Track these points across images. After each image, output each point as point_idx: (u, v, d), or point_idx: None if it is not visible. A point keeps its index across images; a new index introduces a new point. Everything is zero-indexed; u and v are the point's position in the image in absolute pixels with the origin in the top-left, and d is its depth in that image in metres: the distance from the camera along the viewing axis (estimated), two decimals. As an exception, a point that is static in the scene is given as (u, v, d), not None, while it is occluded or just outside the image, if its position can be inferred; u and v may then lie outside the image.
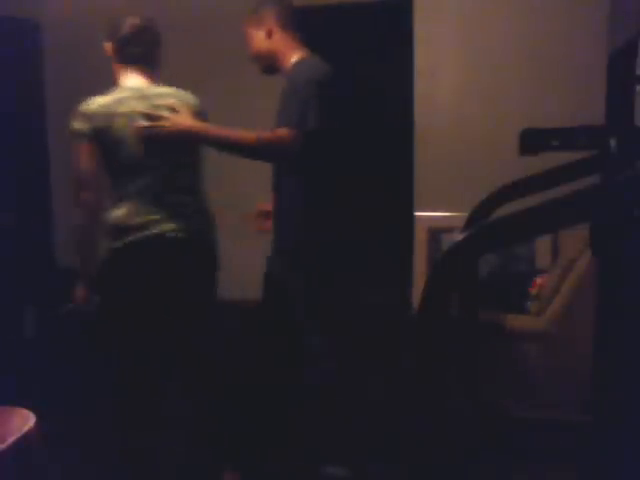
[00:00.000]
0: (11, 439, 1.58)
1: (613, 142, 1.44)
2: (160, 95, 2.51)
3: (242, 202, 3.23)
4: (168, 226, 2.44)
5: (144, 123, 2.40)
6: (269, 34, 2.52)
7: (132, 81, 2.52)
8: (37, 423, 1.68)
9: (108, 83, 2.44)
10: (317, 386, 2.67)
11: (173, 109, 2.44)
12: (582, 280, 2.75)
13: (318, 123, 2.38)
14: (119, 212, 2.44)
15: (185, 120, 2.42)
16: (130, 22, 2.51)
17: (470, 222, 1.76)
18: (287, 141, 2.33)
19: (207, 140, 2.46)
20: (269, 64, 2.57)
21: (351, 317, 4.79)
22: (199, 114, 2.54)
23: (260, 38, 2.54)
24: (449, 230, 3.75)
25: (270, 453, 2.84)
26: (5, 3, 4.26)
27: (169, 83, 2.63)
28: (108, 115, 2.40)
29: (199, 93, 2.68)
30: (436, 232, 4.00)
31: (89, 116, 2.40)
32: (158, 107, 2.45)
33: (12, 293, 4.21)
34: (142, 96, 2.47)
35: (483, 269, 3.25)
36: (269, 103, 2.52)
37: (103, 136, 2.39)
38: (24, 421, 1.67)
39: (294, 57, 2.52)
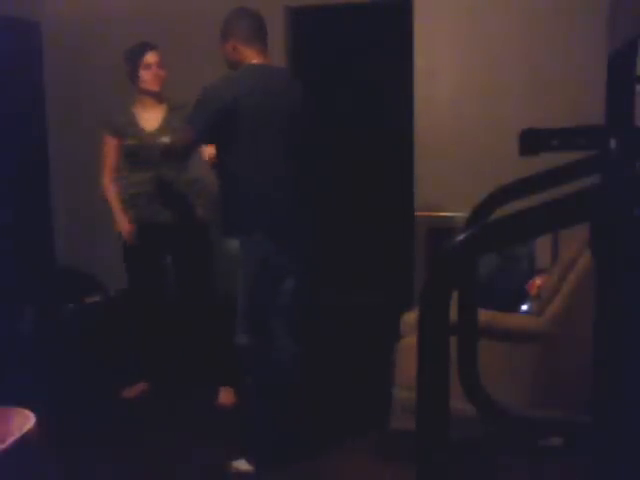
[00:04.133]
0: (11, 439, 1.58)
1: (613, 142, 1.44)
2: None
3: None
4: None
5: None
6: (234, 49, 2.89)
7: None
8: (37, 423, 1.68)
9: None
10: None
11: None
12: (582, 280, 2.74)
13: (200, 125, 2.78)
14: None
15: None
16: None
17: (470, 222, 1.76)
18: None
19: None
20: (237, 67, 2.94)
21: (349, 317, 4.79)
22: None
23: (228, 50, 2.92)
24: (449, 230, 3.75)
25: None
26: (5, 3, 4.26)
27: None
28: None
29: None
30: (436, 232, 4.00)
31: None
32: None
33: (11, 292, 4.21)
34: None
35: (482, 269, 3.25)
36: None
37: None
38: (24, 421, 1.67)
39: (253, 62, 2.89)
